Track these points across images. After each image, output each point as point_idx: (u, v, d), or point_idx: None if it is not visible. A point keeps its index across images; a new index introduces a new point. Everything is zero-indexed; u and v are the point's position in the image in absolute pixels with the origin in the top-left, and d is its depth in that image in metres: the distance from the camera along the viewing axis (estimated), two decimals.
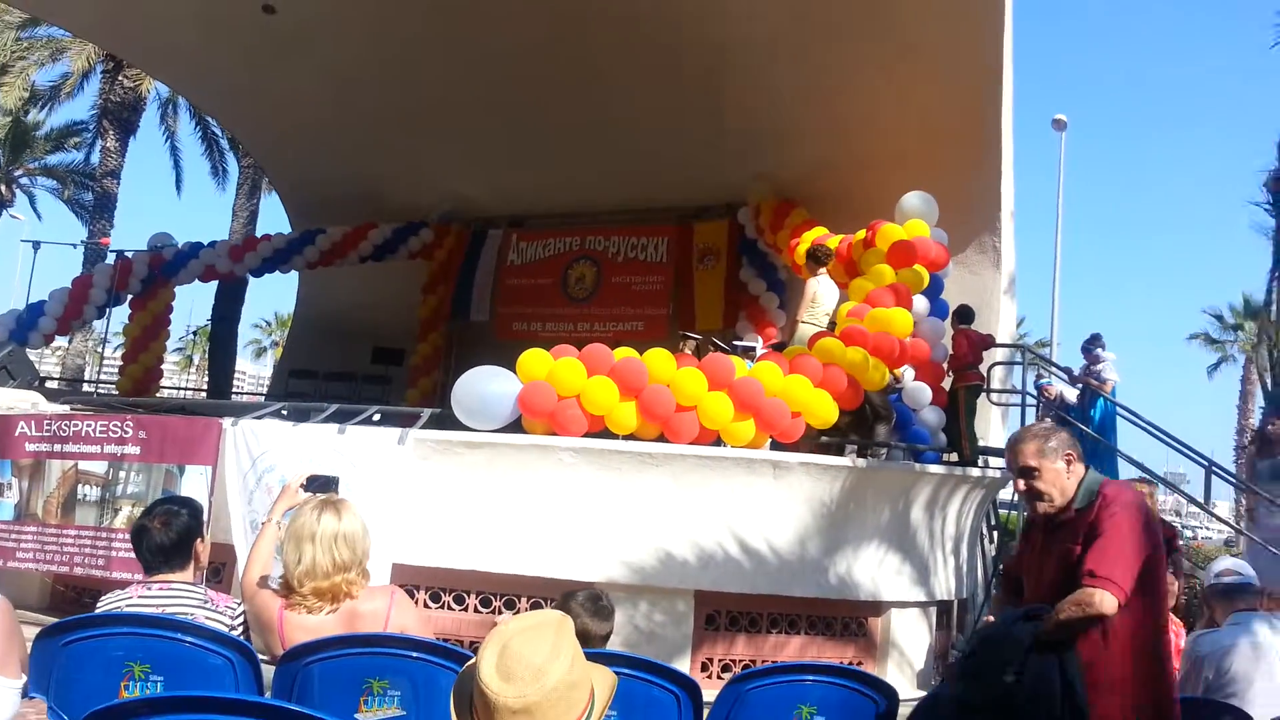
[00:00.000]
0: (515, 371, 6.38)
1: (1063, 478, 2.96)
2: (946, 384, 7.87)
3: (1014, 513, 8.36)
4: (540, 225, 13.59)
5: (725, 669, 6.08)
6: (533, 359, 6.41)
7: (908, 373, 7.60)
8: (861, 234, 8.32)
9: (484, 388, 6.30)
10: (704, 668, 6.10)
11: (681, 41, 10.22)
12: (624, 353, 6.52)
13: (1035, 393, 9.70)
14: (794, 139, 10.62)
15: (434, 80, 11.83)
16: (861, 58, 9.63)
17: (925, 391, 7.34)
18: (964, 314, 8.12)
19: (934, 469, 6.97)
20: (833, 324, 7.45)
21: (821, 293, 7.60)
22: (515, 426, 6.31)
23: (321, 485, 3.24)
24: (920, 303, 7.37)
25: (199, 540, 3.08)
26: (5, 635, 2.10)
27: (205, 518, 5.74)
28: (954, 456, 7.67)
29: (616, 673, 2.85)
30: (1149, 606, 2.83)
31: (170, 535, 2.98)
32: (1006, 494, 8.33)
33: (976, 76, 9.46)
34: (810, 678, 3.08)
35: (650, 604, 6.07)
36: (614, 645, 5.77)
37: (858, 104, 9.98)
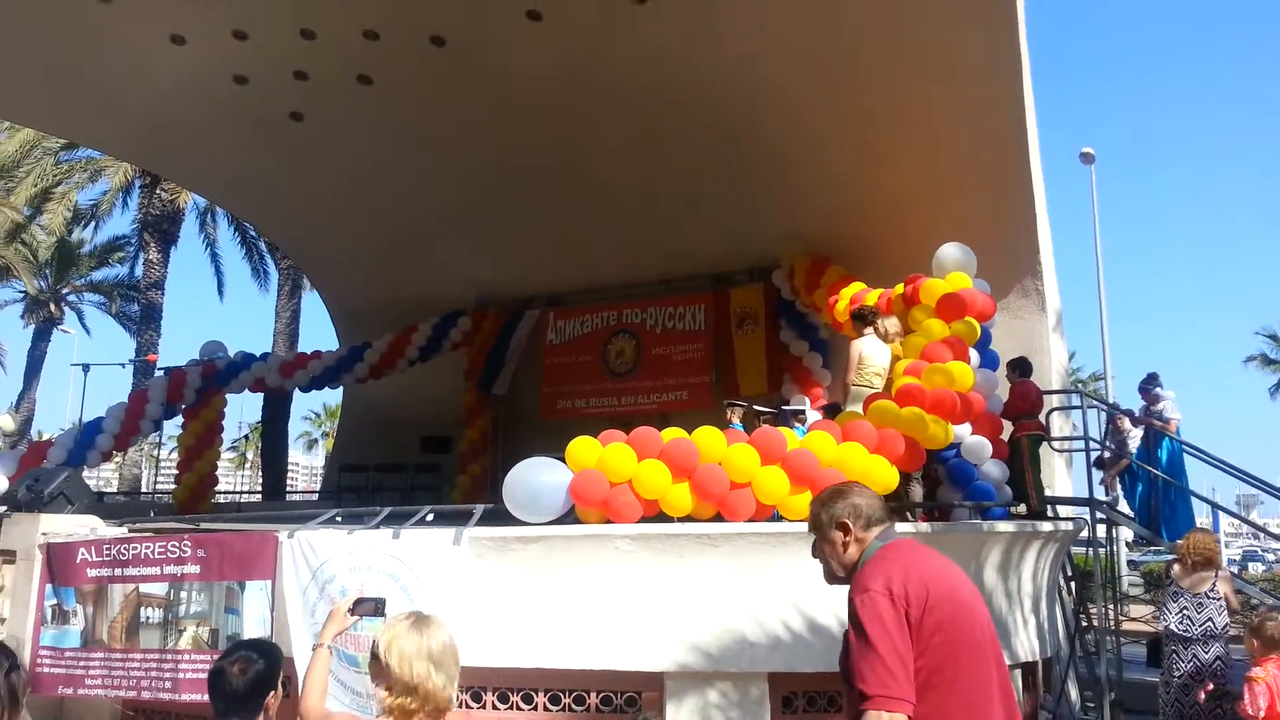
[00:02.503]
0: (564, 459, 6.32)
1: (838, 549, 2.65)
2: (1005, 435, 7.67)
3: (1089, 551, 8.07)
4: (577, 302, 13.69)
5: None
6: (582, 447, 6.34)
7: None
8: (900, 289, 8.22)
9: (534, 480, 6.24)
10: None
11: (703, 109, 10.33)
12: (672, 433, 6.43)
13: (1106, 424, 9.49)
14: (822, 196, 10.63)
15: (462, 173, 12.06)
16: (880, 105, 9.65)
17: (985, 446, 7.16)
18: (1023, 366, 7.96)
19: (1003, 526, 6.75)
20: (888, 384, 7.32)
21: (867, 352, 7.49)
22: (570, 517, 6.22)
23: (370, 608, 3.16)
24: (972, 355, 7.22)
25: (272, 693, 3.01)
26: None
27: (269, 631, 5.73)
28: (1022, 508, 7.44)
29: None
30: (934, 707, 2.40)
31: (244, 683, 2.91)
32: (1082, 535, 8.06)
33: (1000, 119, 9.43)
34: None
35: (723, 691, 5.88)
36: None
37: (884, 156, 9.99)
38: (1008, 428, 7.73)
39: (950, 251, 7.84)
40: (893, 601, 2.43)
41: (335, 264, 15.21)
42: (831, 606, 6.00)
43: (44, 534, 7.00)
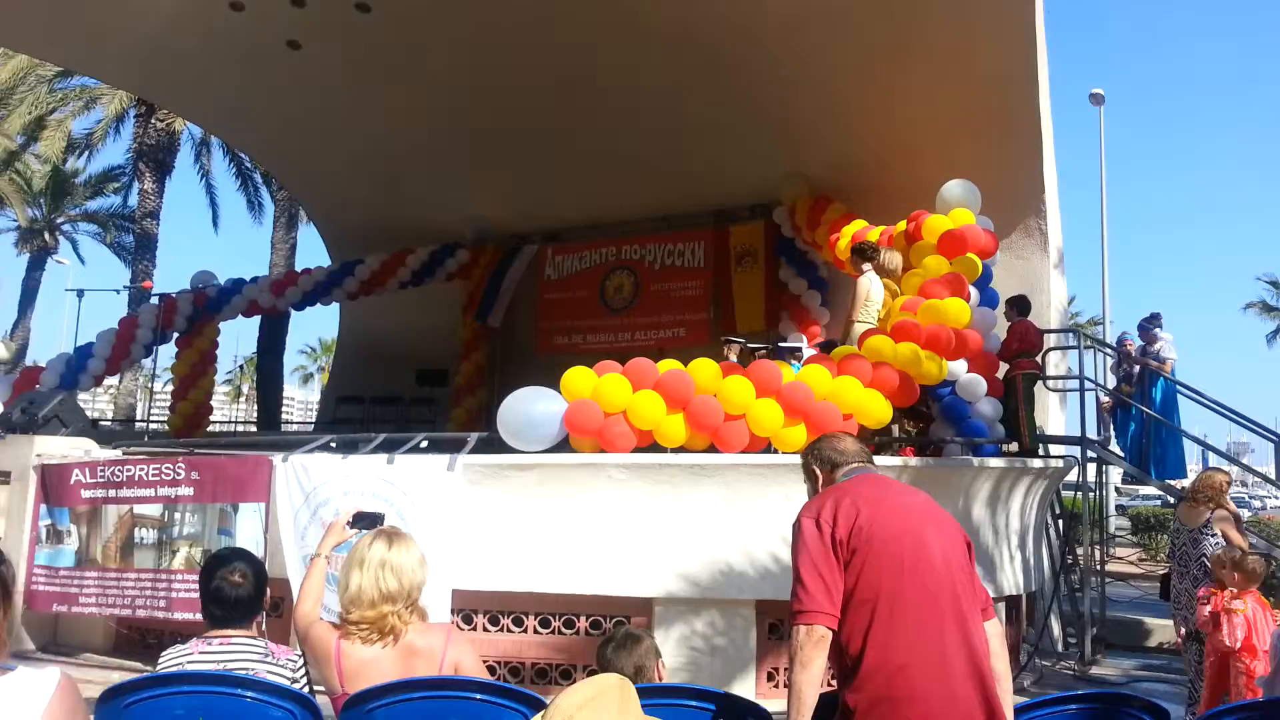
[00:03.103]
0: (559, 390, 6.32)
1: (809, 494, 2.84)
2: (1000, 373, 7.67)
3: (1078, 495, 8.14)
4: (575, 238, 13.57)
5: None
6: (577, 377, 6.34)
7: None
8: (902, 225, 8.16)
9: (529, 409, 6.24)
10: (770, 678, 5.97)
11: (702, 40, 10.12)
12: (668, 365, 6.42)
13: (1117, 347, 9.49)
14: (825, 132, 10.48)
15: (460, 104, 11.86)
16: (890, 41, 9.47)
17: (980, 383, 7.16)
18: (1021, 305, 7.92)
19: (994, 462, 6.79)
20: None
21: (875, 290, 7.44)
22: (564, 446, 6.24)
23: (369, 521, 3.18)
24: (972, 293, 7.19)
25: (268, 591, 3.04)
26: (67, 715, 2.05)
27: (263, 553, 5.77)
28: (1014, 447, 7.47)
29: (682, 705, 2.78)
30: (859, 623, 2.45)
31: (247, 590, 2.94)
32: (1072, 475, 8.11)
33: (1010, 55, 9.25)
34: None
35: (711, 617, 5.96)
36: (677, 662, 5.71)
37: (888, 90, 9.81)
38: (1003, 366, 7.73)
39: (954, 188, 7.76)
40: (817, 525, 2.54)
41: (332, 196, 15.04)
42: None
43: (39, 455, 7.03)
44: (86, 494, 6.71)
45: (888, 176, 10.09)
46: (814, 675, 2.42)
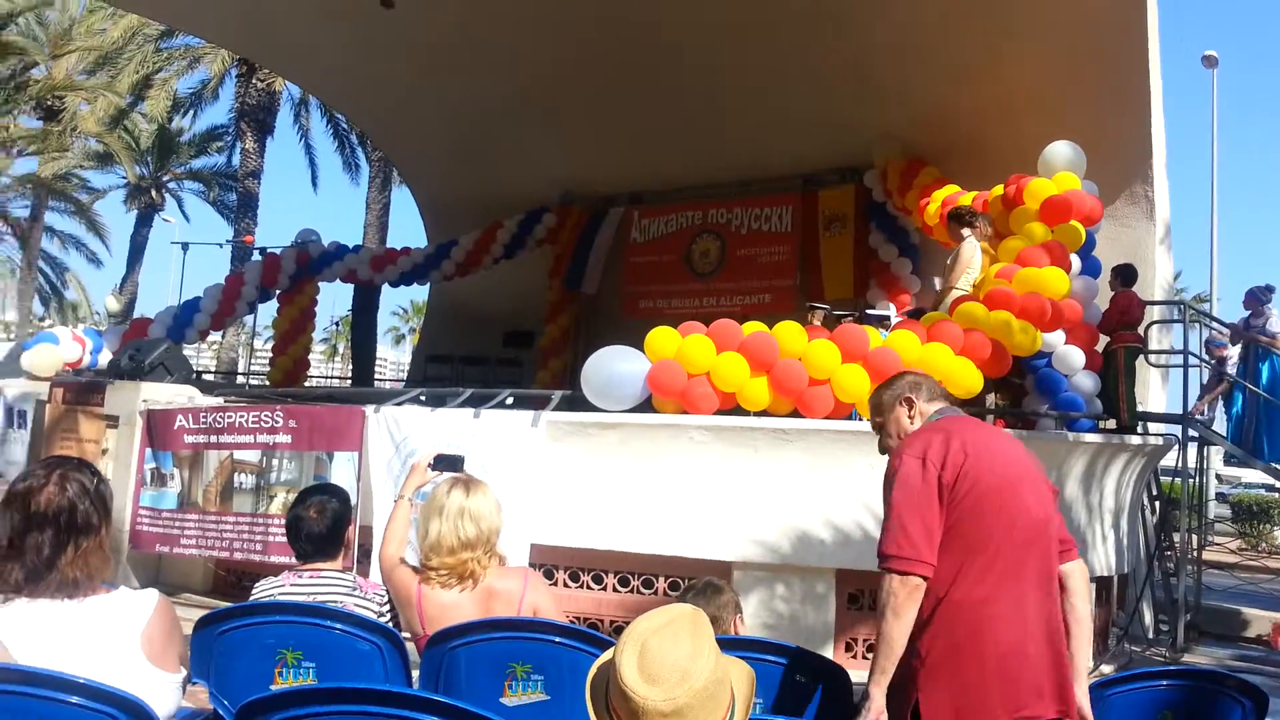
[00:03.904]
0: (643, 350, 6.33)
1: (902, 422, 2.67)
2: (1100, 346, 7.40)
3: (1177, 480, 7.83)
4: (661, 201, 13.50)
5: (871, 649, 5.89)
6: (661, 337, 6.34)
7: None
8: (999, 190, 7.89)
9: (613, 368, 6.27)
10: (848, 648, 5.93)
11: None
12: (753, 327, 6.37)
13: (1205, 354, 9.01)
14: (920, 92, 10.16)
15: (545, 67, 11.87)
16: (994, 1, 9.12)
17: (1077, 355, 6.91)
18: (1126, 274, 7.61)
19: (1090, 438, 6.57)
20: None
21: (978, 257, 7.23)
22: (646, 406, 6.26)
23: (449, 464, 3.25)
24: (1073, 261, 6.93)
25: (349, 527, 3.14)
26: (164, 633, 2.15)
27: (354, 503, 5.95)
28: (1112, 424, 7.22)
29: (758, 659, 2.78)
30: (949, 569, 2.38)
31: (324, 524, 3.04)
32: (1170, 460, 7.81)
33: (1119, 8, 8.81)
34: None
35: (789, 585, 5.94)
36: (754, 628, 5.70)
37: (986, 48, 9.43)
38: (1104, 339, 7.46)
39: (1060, 149, 7.43)
40: (924, 465, 2.43)
41: (423, 156, 15.27)
42: None
43: (144, 401, 7.35)
44: (189, 439, 7.00)
45: (985, 139, 9.74)
46: (907, 625, 2.36)
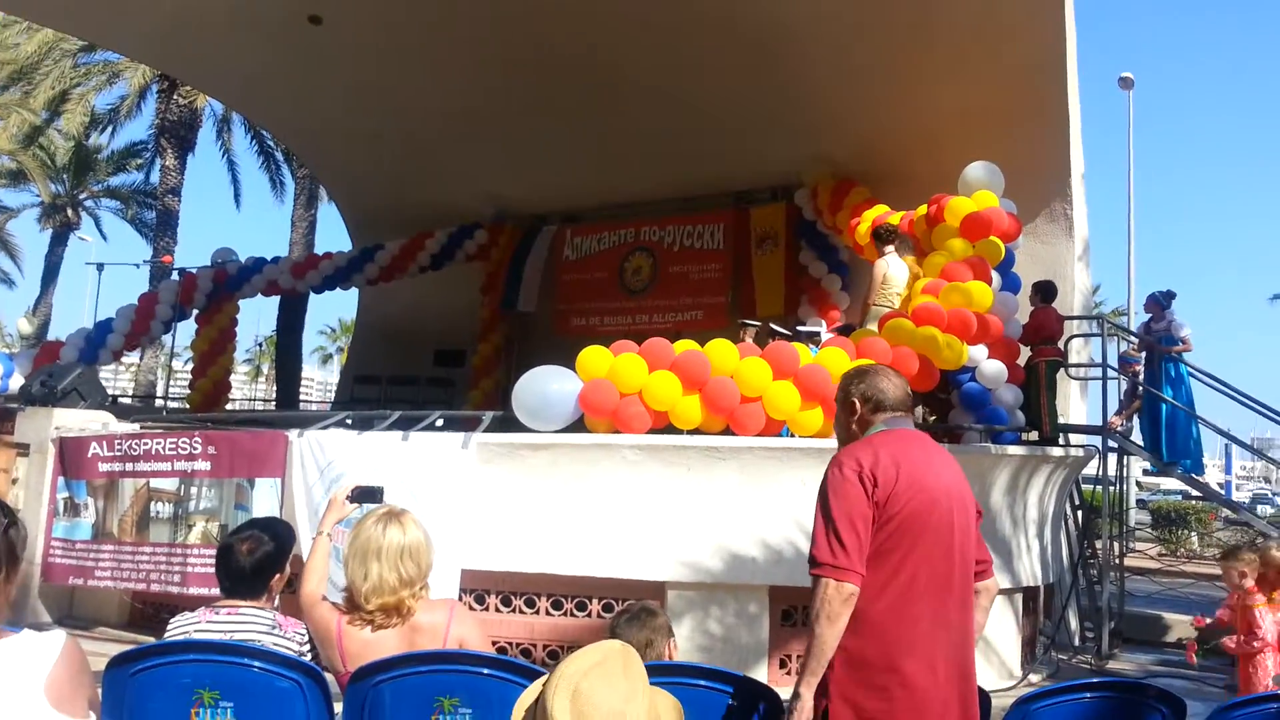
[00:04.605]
0: (575, 369, 6.28)
1: (845, 425, 2.74)
2: (1021, 360, 7.58)
3: (1099, 488, 8.04)
4: (594, 219, 13.51)
5: None
6: (593, 356, 6.30)
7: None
8: (924, 209, 8.06)
9: (545, 388, 6.21)
10: (783, 664, 5.94)
11: (729, 22, 10.02)
12: (684, 345, 6.38)
13: (1117, 367, 9.24)
14: (849, 116, 10.36)
15: (477, 85, 11.80)
16: (915, 24, 9.33)
17: (1001, 369, 7.06)
18: (1046, 291, 7.82)
19: (1014, 450, 6.71)
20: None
21: (892, 273, 7.37)
22: (579, 426, 6.21)
23: (368, 495, 3.16)
24: (993, 277, 7.09)
25: (278, 575, 3.02)
26: (71, 677, 2.03)
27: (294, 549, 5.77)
28: (1034, 436, 7.38)
29: (691, 684, 2.75)
30: (870, 585, 2.42)
31: (249, 562, 2.93)
32: (1091, 470, 8.01)
33: (1037, 40, 9.10)
34: None
35: (723, 604, 5.92)
36: (689, 648, 5.67)
37: (913, 75, 9.68)
38: (1025, 353, 7.64)
39: (976, 170, 7.66)
40: (860, 478, 2.47)
41: (351, 173, 15.04)
42: None
43: (57, 428, 7.06)
44: (104, 467, 6.74)
45: (911, 161, 9.97)
46: (839, 631, 2.40)
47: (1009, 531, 6.61)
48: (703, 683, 2.72)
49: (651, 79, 11.04)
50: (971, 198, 7.50)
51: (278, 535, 3.09)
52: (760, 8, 9.71)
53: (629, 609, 3.17)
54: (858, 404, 2.69)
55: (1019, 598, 6.70)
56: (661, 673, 2.65)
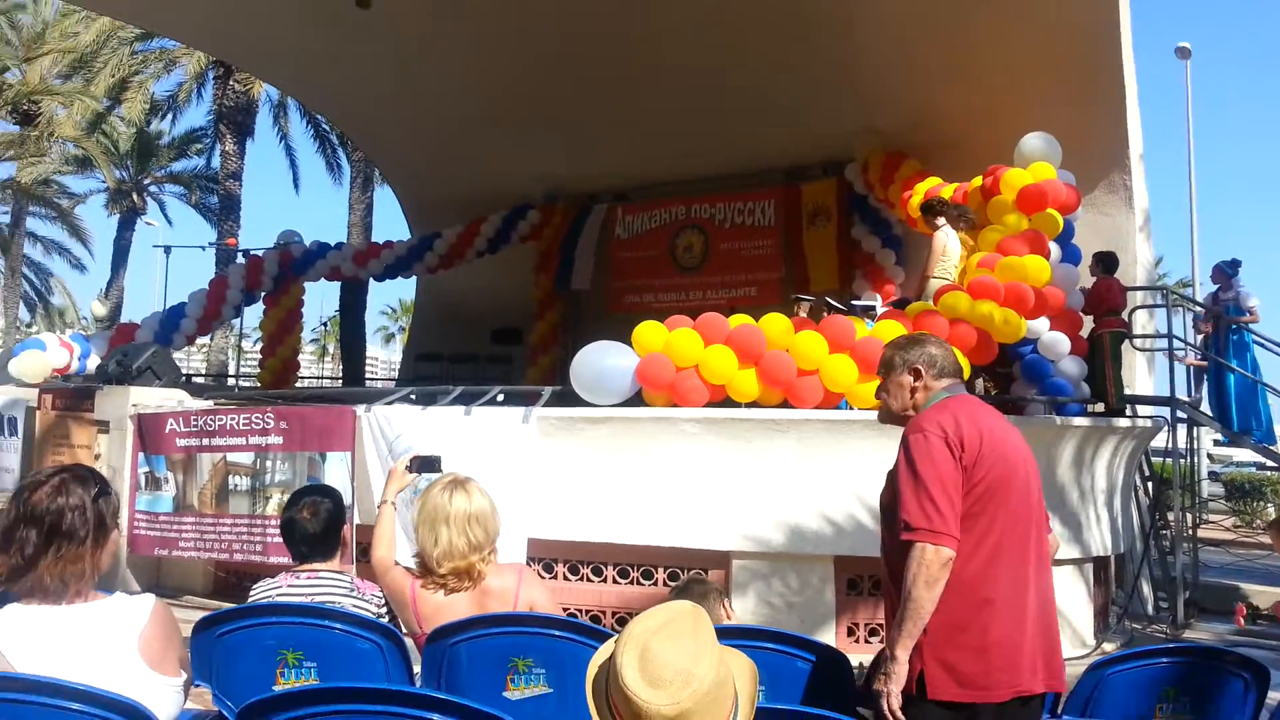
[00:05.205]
0: (631, 345, 6.36)
1: (905, 392, 2.71)
2: (1085, 332, 7.48)
3: (1168, 460, 7.92)
4: (645, 197, 13.53)
5: (873, 633, 5.96)
6: (648, 331, 6.37)
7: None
8: (978, 181, 7.95)
9: (602, 363, 6.30)
10: (850, 633, 5.99)
11: None
12: (739, 319, 6.41)
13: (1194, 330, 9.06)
14: (900, 87, 10.22)
15: (525, 64, 11.84)
16: None
17: (1063, 341, 6.98)
18: (1107, 261, 7.68)
19: (1078, 421, 6.64)
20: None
21: (952, 245, 7.30)
22: (637, 400, 6.29)
23: (427, 465, 3.28)
24: (1053, 249, 7.00)
25: (345, 525, 3.16)
26: (162, 637, 2.17)
27: (349, 503, 5.95)
28: (1100, 407, 7.29)
29: (756, 648, 2.81)
30: (960, 550, 2.45)
31: (318, 525, 3.06)
32: (1160, 442, 7.89)
33: (1092, 6, 8.89)
34: None
35: (787, 573, 5.98)
36: (755, 618, 5.75)
37: (966, 45, 9.50)
38: (1088, 324, 7.53)
39: (1033, 141, 7.53)
40: (947, 444, 2.50)
41: (404, 156, 15.22)
42: None
43: (134, 405, 7.32)
44: (181, 442, 6.99)
45: (964, 133, 9.82)
46: (937, 595, 2.43)
47: (1076, 502, 6.56)
48: (772, 645, 2.79)
49: (700, 54, 11.00)
50: (1028, 169, 7.38)
51: (329, 493, 3.23)
52: None
53: (680, 585, 3.26)
54: (922, 369, 2.69)
55: (1089, 567, 6.65)
56: (732, 635, 2.71)
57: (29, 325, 35.67)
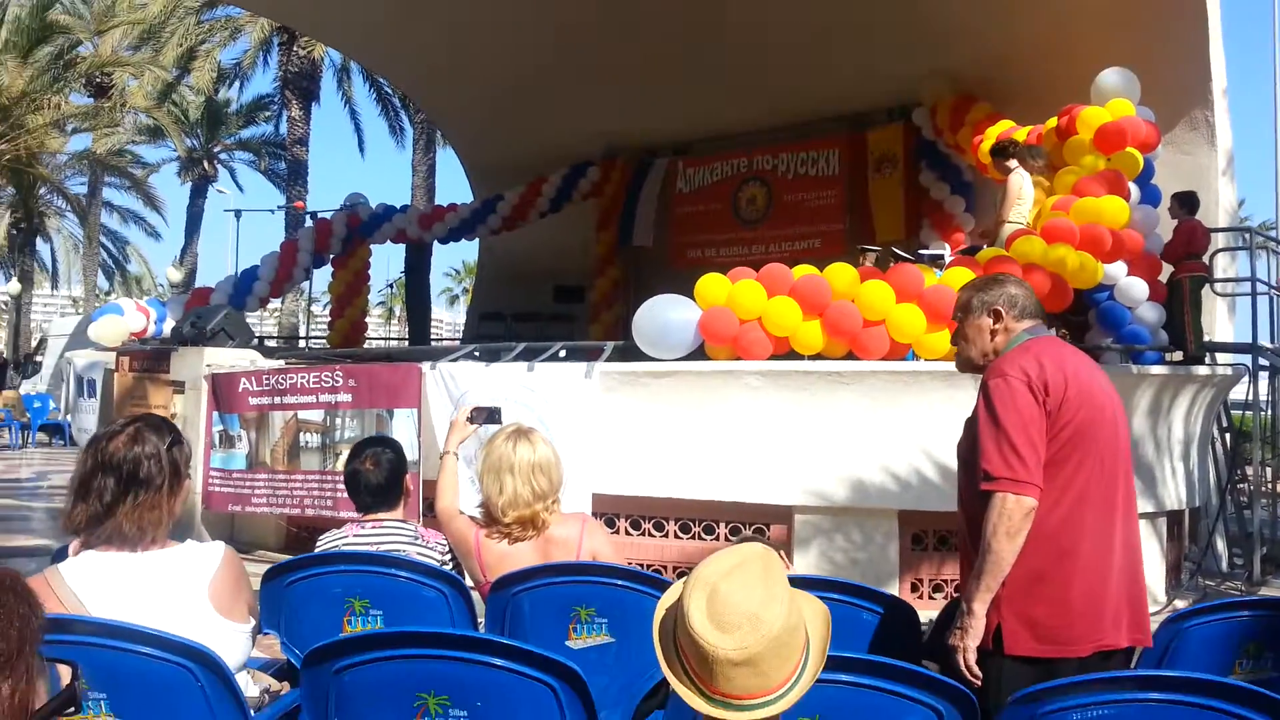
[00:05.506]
0: (694, 298, 6.30)
1: (984, 335, 2.56)
2: (1163, 276, 7.20)
3: (1248, 414, 7.62)
4: (706, 150, 13.36)
5: (937, 589, 5.89)
6: (710, 284, 6.30)
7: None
8: (1053, 122, 7.66)
9: (664, 316, 6.26)
10: (914, 588, 5.92)
11: None
12: (803, 270, 6.30)
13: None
14: (969, 24, 9.84)
15: (580, 18, 11.70)
16: None
17: (1140, 286, 6.73)
18: (1189, 202, 7.35)
19: (1155, 370, 6.42)
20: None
21: (1026, 188, 7.06)
22: (699, 354, 6.24)
23: (488, 416, 3.29)
24: (1131, 190, 6.72)
25: (407, 475, 3.19)
26: (232, 584, 2.22)
27: (416, 457, 6.03)
28: (1178, 355, 7.04)
29: (822, 598, 2.76)
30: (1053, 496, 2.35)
31: (381, 475, 3.10)
32: (1239, 393, 7.60)
33: None
34: None
35: (849, 529, 5.92)
36: (817, 573, 5.71)
37: None
38: (1167, 269, 7.25)
39: (1111, 77, 7.21)
40: (1030, 388, 2.38)
41: (465, 116, 15.24)
42: None
43: (208, 365, 7.51)
44: (253, 401, 7.15)
45: (1037, 71, 9.43)
46: (1018, 546, 2.34)
47: (1151, 454, 6.36)
48: (838, 596, 2.74)
49: (757, 3, 10.75)
50: (1105, 107, 7.08)
51: (390, 444, 3.27)
52: None
53: (742, 534, 3.22)
54: (1003, 310, 2.55)
55: (1163, 522, 6.47)
56: (797, 584, 2.68)
57: (107, 293, 36.86)
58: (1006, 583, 2.37)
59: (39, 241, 32.97)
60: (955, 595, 2.65)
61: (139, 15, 26.09)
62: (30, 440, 16.59)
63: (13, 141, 21.48)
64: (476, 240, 15.67)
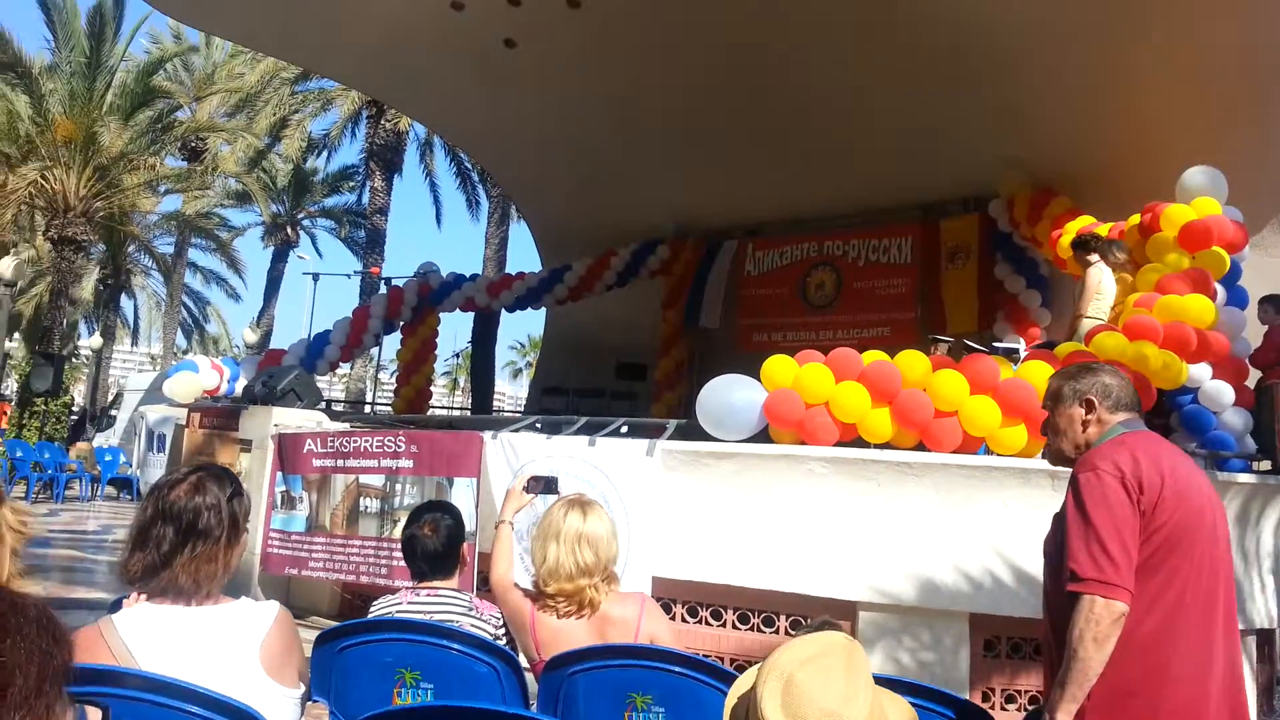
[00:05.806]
0: (760, 379, 6.21)
1: (1076, 426, 2.43)
2: (1251, 382, 6.93)
3: None
4: (776, 233, 13.41)
5: (1009, 699, 5.58)
6: (777, 366, 6.21)
7: None
8: (1136, 219, 7.52)
9: (729, 397, 6.17)
10: (985, 698, 5.62)
11: (920, 24, 9.72)
12: (873, 356, 6.19)
13: None
14: (1049, 119, 9.80)
15: (660, 99, 11.95)
16: (1120, 18, 8.73)
17: (1227, 391, 6.47)
18: (1279, 304, 7.12)
19: (1243, 478, 6.11)
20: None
21: (1107, 283, 6.90)
22: (763, 437, 6.12)
23: (544, 485, 3.22)
24: (1218, 291, 6.52)
25: (465, 544, 3.14)
26: (284, 645, 2.15)
27: (472, 529, 5.98)
28: (1266, 464, 6.72)
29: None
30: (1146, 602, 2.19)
31: (439, 542, 3.05)
32: None
33: (1261, 27, 8.32)
34: None
35: (918, 630, 5.67)
36: (886, 674, 5.46)
37: (1124, 70, 9.03)
38: (1254, 375, 6.98)
39: (1197, 175, 7.07)
40: (1124, 484, 2.24)
41: (540, 191, 15.58)
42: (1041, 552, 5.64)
43: (276, 425, 7.61)
44: (317, 463, 7.20)
45: (1120, 168, 9.31)
46: (1107, 654, 2.19)
47: (1240, 569, 6.01)
48: (911, 699, 2.58)
49: (836, 86, 10.85)
50: (1191, 205, 6.93)
51: (450, 510, 3.21)
52: (953, 7, 9.36)
53: (811, 624, 3.08)
54: (1096, 400, 2.44)
55: (1251, 640, 6.08)
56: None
57: (185, 351, 38.02)
58: (1091, 695, 2.21)
59: (123, 298, 34.25)
60: (1032, 707, 2.46)
61: (236, 84, 27.44)
62: (99, 493, 16.95)
63: (108, 200, 22.51)
64: (543, 314, 15.87)
